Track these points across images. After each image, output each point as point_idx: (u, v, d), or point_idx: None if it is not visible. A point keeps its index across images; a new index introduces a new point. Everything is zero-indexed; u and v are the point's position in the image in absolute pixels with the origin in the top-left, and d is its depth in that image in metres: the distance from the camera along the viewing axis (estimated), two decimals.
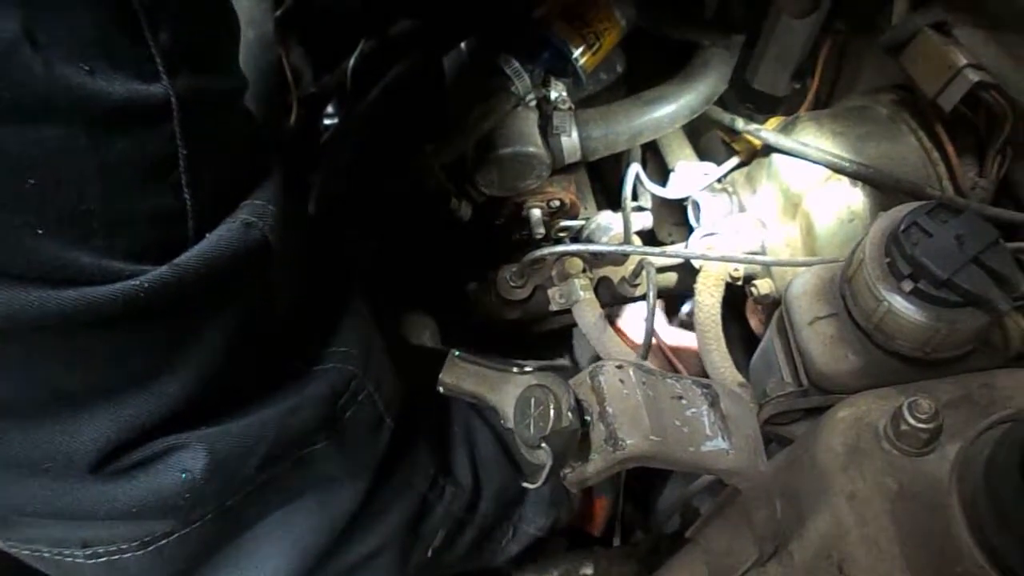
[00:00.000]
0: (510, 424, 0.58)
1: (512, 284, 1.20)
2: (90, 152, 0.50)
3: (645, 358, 1.10)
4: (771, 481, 0.70)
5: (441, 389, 0.59)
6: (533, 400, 0.56)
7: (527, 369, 0.59)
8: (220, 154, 0.60)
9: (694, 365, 1.33)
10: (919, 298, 0.69)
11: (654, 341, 1.33)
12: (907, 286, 0.69)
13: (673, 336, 1.38)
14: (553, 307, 1.17)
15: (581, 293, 1.14)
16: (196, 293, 0.57)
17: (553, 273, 1.18)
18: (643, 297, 1.23)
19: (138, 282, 0.53)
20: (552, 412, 0.55)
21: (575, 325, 1.24)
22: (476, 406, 1.00)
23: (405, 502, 0.86)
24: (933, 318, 0.69)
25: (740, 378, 1.12)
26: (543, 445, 0.52)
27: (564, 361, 1.55)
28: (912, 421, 0.65)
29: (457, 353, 0.60)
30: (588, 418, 0.57)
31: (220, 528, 0.72)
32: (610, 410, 0.57)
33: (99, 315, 0.52)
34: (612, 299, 1.24)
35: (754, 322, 1.30)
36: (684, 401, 0.59)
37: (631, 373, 0.59)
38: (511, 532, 1.01)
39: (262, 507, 0.74)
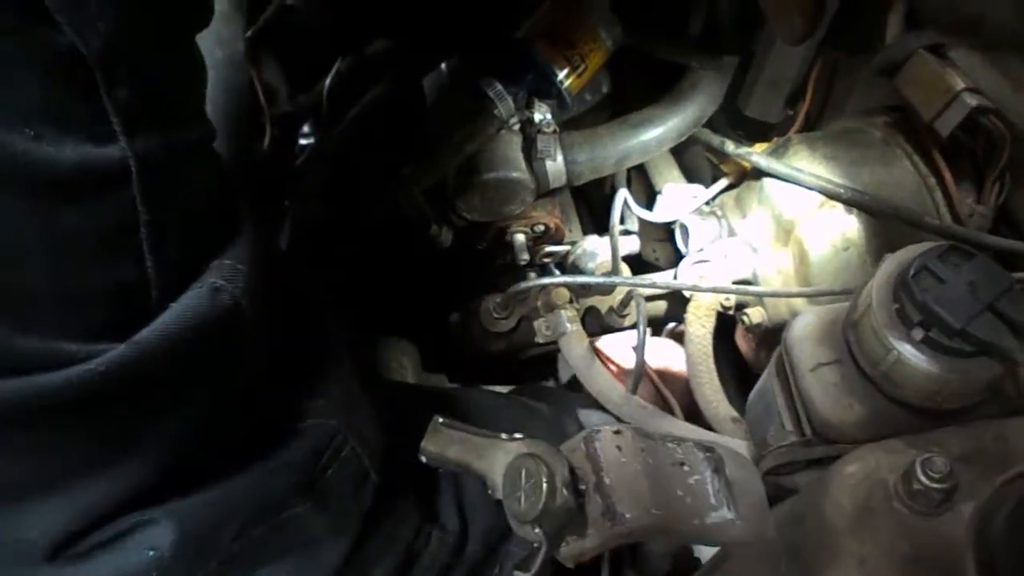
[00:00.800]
0: (499, 495, 0.54)
1: (496, 316, 1.16)
2: (34, 225, 0.45)
3: (634, 392, 1.06)
4: (774, 538, 0.66)
5: (424, 458, 0.55)
6: (524, 471, 0.52)
7: (517, 436, 0.54)
8: (186, 213, 0.55)
9: (682, 388, 1.29)
10: (930, 347, 0.65)
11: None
12: (918, 335, 0.65)
13: (659, 354, 1.34)
14: (539, 339, 1.12)
15: (568, 325, 1.10)
16: (159, 370, 0.52)
17: (539, 303, 1.14)
18: (632, 327, 1.19)
19: (93, 365, 0.48)
20: (545, 486, 0.50)
21: (557, 349, 1.20)
22: None
23: (391, 554, 0.81)
24: (945, 368, 0.65)
25: (733, 412, 1.08)
26: (536, 530, 0.48)
27: (549, 384, 1.51)
28: (925, 480, 0.61)
29: (441, 420, 0.56)
30: (584, 487, 0.52)
31: None
32: (607, 480, 0.53)
33: (48, 404, 0.47)
34: (600, 329, 1.20)
35: (744, 347, 1.27)
36: (686, 468, 0.55)
37: (629, 438, 0.55)
38: (498, 569, 0.96)
39: (239, 574, 0.69)
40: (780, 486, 0.76)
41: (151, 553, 0.58)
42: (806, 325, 0.75)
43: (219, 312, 0.55)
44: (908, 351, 0.66)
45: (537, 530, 0.47)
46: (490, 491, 0.55)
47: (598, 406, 1.13)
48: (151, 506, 0.58)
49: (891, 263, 0.68)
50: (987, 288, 0.64)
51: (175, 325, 0.52)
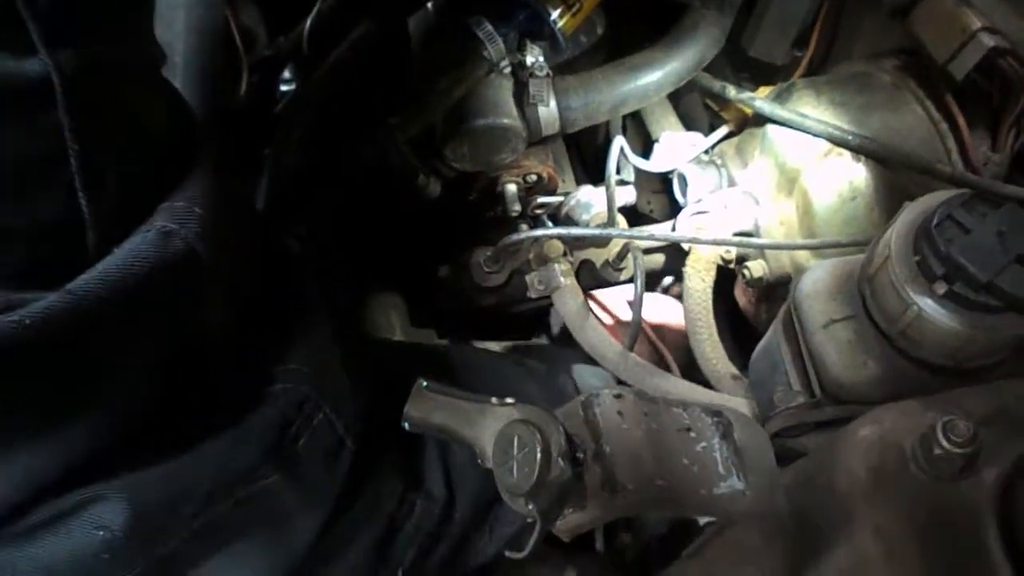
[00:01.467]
0: (489, 464, 0.49)
1: (487, 270, 1.11)
2: None
3: (631, 349, 1.01)
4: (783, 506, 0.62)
5: (407, 425, 0.50)
6: (516, 439, 0.47)
7: (508, 401, 0.49)
8: (128, 145, 0.49)
9: (679, 343, 1.25)
10: (954, 302, 0.60)
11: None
12: (940, 288, 0.60)
13: (656, 309, 1.29)
14: (532, 294, 1.08)
15: (562, 279, 1.05)
16: (100, 323, 0.46)
17: (531, 256, 1.09)
18: (628, 281, 1.14)
19: (17, 317, 0.42)
20: (539, 456, 0.46)
21: (551, 304, 1.15)
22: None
23: (370, 526, 0.77)
24: (969, 324, 0.60)
25: (733, 369, 1.04)
26: (530, 505, 0.43)
27: (541, 340, 1.47)
28: (947, 445, 0.57)
29: (425, 383, 0.51)
30: (582, 456, 0.48)
31: None
32: (607, 449, 0.48)
33: None
34: (594, 283, 1.15)
35: (743, 300, 1.22)
36: (692, 434, 0.51)
37: (631, 403, 0.50)
38: (488, 534, 0.92)
39: (203, 551, 0.64)
40: (787, 448, 0.72)
41: (100, 533, 0.53)
42: (817, 279, 0.71)
43: (171, 258, 0.50)
44: (929, 306, 0.61)
45: (531, 506, 0.43)
46: (479, 460, 0.50)
47: (593, 362, 1.09)
48: (99, 480, 0.53)
49: (911, 211, 0.63)
50: (1017, 238, 0.59)
51: (116, 272, 0.47)
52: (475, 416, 0.50)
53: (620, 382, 1.04)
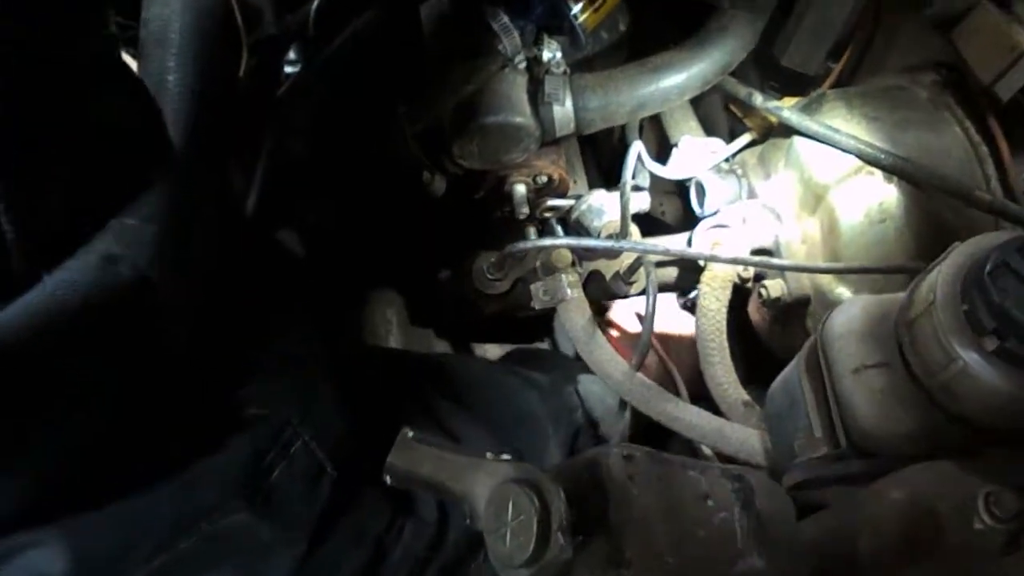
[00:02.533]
0: (479, 526, 0.44)
1: (490, 277, 1.05)
2: None
3: (639, 369, 0.96)
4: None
5: (388, 478, 0.44)
6: (512, 505, 0.42)
7: (504, 457, 0.44)
8: (66, 154, 0.43)
9: (687, 357, 1.19)
10: (1004, 360, 0.54)
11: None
12: (990, 344, 0.54)
13: (667, 318, 1.24)
14: (536, 305, 1.02)
15: (568, 291, 0.99)
16: (25, 363, 0.40)
17: (537, 265, 1.03)
18: (639, 294, 1.09)
19: None
20: (535, 528, 0.40)
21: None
22: (442, 423, 0.86)
23: (356, 552, 0.71)
24: (1019, 385, 0.54)
25: (745, 396, 0.98)
26: None
27: (544, 345, 1.41)
28: (988, 520, 0.52)
29: (411, 433, 0.45)
30: (583, 528, 0.42)
31: None
32: (614, 518, 0.43)
33: None
34: (603, 296, 1.09)
35: (756, 318, 1.17)
36: (711, 503, 0.45)
37: (644, 465, 0.44)
38: (482, 557, 0.87)
39: None
40: (804, 501, 0.67)
41: None
42: (851, 318, 0.65)
43: (111, 289, 0.44)
44: (976, 362, 0.55)
45: None
46: (467, 520, 0.44)
47: None
48: (35, 525, 0.47)
49: (961, 254, 0.57)
50: None
51: (45, 305, 0.41)
52: (466, 471, 0.44)
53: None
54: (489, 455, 0.44)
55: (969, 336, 0.55)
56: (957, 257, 0.58)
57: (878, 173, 0.96)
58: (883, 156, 0.94)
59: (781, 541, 0.47)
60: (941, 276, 0.57)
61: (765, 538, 0.46)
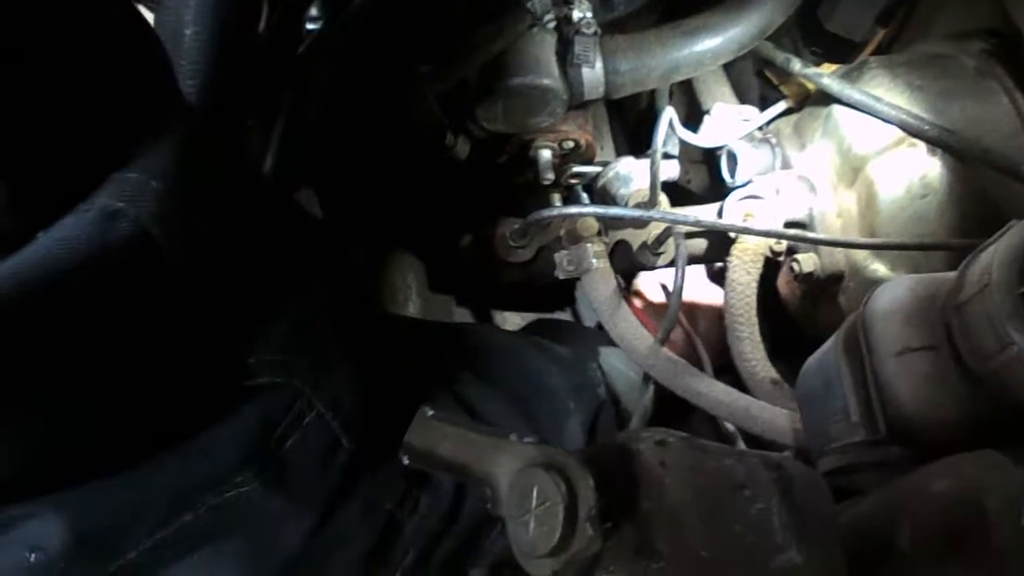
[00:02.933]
0: (501, 511, 0.41)
1: (513, 244, 1.01)
2: None
3: (663, 343, 0.93)
4: None
5: (406, 459, 0.42)
6: (537, 490, 0.39)
7: (529, 440, 0.41)
8: (65, 103, 0.40)
9: (714, 331, 1.16)
10: None
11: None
12: None
13: (694, 288, 1.21)
14: (560, 274, 0.98)
15: (594, 261, 0.96)
16: (19, 321, 0.38)
17: (562, 233, 1.00)
18: (667, 266, 1.05)
19: None
20: (562, 515, 0.37)
21: None
22: (460, 395, 0.83)
23: (367, 526, 0.69)
24: None
25: (774, 374, 0.95)
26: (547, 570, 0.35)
27: (565, 316, 1.39)
28: None
29: (430, 411, 0.42)
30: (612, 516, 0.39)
31: None
32: (645, 507, 0.40)
33: None
34: (629, 267, 1.06)
35: (786, 292, 1.13)
36: (747, 493, 0.42)
37: (677, 452, 0.42)
38: (498, 526, 0.84)
39: (169, 561, 0.57)
40: (837, 486, 0.64)
41: (32, 556, 0.46)
42: (895, 298, 0.61)
43: (114, 245, 0.41)
44: None
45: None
46: (488, 505, 0.42)
47: None
48: (33, 496, 0.45)
49: (1019, 233, 0.54)
50: None
51: (41, 264, 0.38)
52: (489, 452, 0.42)
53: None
54: (513, 437, 0.41)
55: None
56: (1015, 236, 0.54)
57: (921, 145, 0.92)
58: (927, 127, 0.90)
59: (820, 535, 0.44)
60: (997, 256, 0.54)
61: (804, 532, 0.43)
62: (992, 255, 0.54)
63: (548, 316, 1.35)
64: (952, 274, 0.60)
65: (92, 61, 0.43)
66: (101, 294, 0.42)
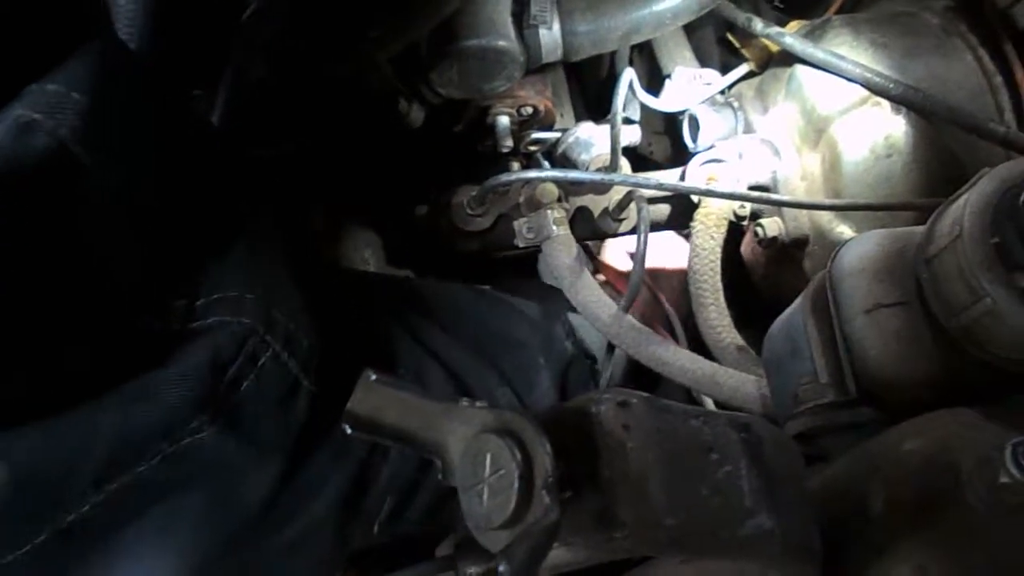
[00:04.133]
0: (452, 482, 0.38)
1: (471, 212, 0.98)
2: None
3: (627, 311, 0.90)
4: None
5: (348, 428, 0.39)
6: (490, 456, 0.36)
7: (480, 404, 0.38)
8: None
9: (676, 288, 1.14)
10: None
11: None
12: (1022, 280, 0.49)
13: (660, 251, 1.19)
14: (520, 242, 0.96)
15: (554, 228, 0.93)
16: None
17: (521, 200, 0.97)
18: (628, 232, 1.03)
19: None
20: (517, 486, 0.35)
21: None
22: (425, 345, 0.80)
23: (338, 474, 0.67)
24: None
25: (739, 340, 0.93)
26: (502, 567, 0.32)
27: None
28: (1017, 473, 0.46)
29: (373, 376, 0.39)
30: (569, 485, 0.37)
31: (64, 551, 0.53)
32: (607, 473, 0.37)
33: None
34: (591, 234, 1.03)
35: (750, 258, 1.12)
36: (715, 455, 0.40)
37: (641, 414, 0.39)
38: None
39: (128, 515, 0.54)
40: (805, 452, 0.62)
41: None
42: (864, 254, 0.59)
43: (27, 157, 0.38)
44: (1005, 300, 0.50)
45: (502, 567, 0.32)
46: (439, 475, 0.39)
47: None
48: None
49: (991, 181, 0.52)
50: None
51: None
52: (438, 418, 0.39)
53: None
54: (464, 402, 0.38)
55: (998, 271, 0.50)
56: (986, 185, 0.52)
57: (885, 104, 0.90)
58: (891, 85, 0.88)
59: (792, 498, 0.42)
60: (968, 206, 0.52)
61: (775, 495, 0.41)
62: (963, 206, 0.52)
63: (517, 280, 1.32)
64: (921, 228, 0.58)
65: None
66: (14, 209, 0.38)
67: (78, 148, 0.40)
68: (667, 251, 1.20)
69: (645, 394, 0.40)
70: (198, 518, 0.59)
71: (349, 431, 0.39)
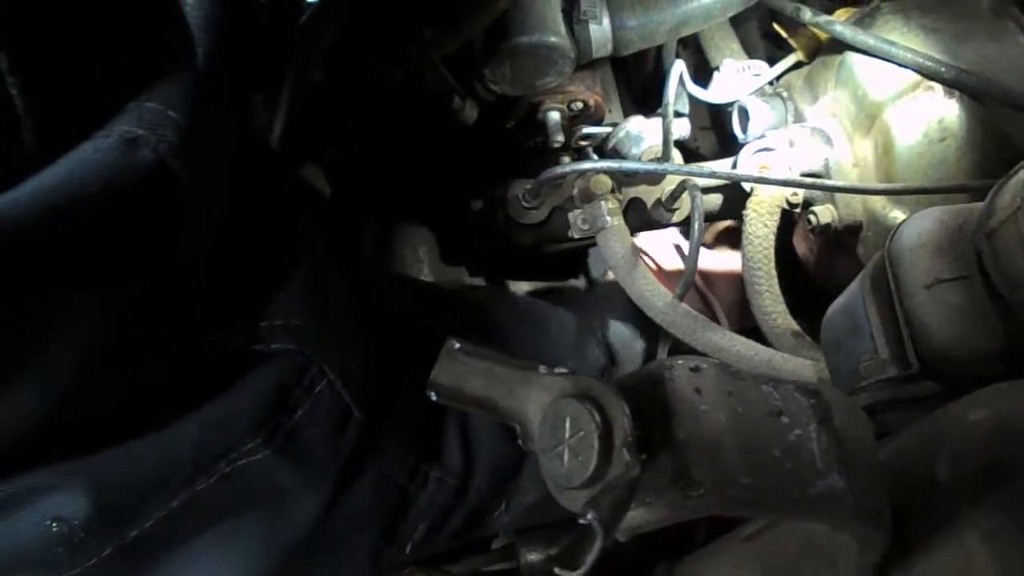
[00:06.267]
0: (532, 446, 0.40)
1: (526, 205, 1.00)
2: None
3: (682, 299, 0.91)
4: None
5: (433, 395, 0.41)
6: (569, 420, 0.38)
7: (560, 370, 0.40)
8: (78, 15, 0.39)
9: (729, 292, 1.15)
10: None
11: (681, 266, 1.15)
12: None
13: (708, 255, 1.19)
14: (574, 234, 0.97)
15: (609, 219, 0.94)
16: (37, 258, 0.37)
17: (575, 192, 0.98)
18: (680, 224, 1.04)
19: None
20: (597, 444, 0.36)
21: (594, 244, 1.05)
22: None
23: (380, 501, 0.69)
24: None
25: (795, 326, 0.94)
26: (589, 515, 0.34)
27: (578, 283, 1.37)
28: None
29: (457, 345, 0.41)
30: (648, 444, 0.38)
31: (125, 565, 0.55)
32: (681, 435, 0.39)
33: None
34: (644, 224, 1.04)
35: (803, 249, 1.12)
36: (785, 419, 0.41)
37: (712, 378, 0.40)
38: (504, 505, 0.83)
39: (186, 531, 0.56)
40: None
41: (55, 527, 0.45)
42: (923, 231, 0.60)
43: (135, 173, 0.40)
44: None
45: (591, 515, 0.34)
46: (519, 440, 0.41)
47: (632, 317, 1.00)
48: (52, 462, 0.44)
49: None
50: None
51: (58, 188, 0.36)
52: (518, 386, 0.40)
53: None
54: (543, 369, 0.40)
55: None
56: None
57: (938, 88, 0.90)
58: (943, 69, 0.88)
59: (861, 459, 0.43)
60: None
61: (844, 456, 0.42)
62: (1023, 179, 0.53)
63: (559, 284, 1.34)
64: (980, 204, 0.58)
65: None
66: (120, 222, 0.41)
67: (174, 162, 0.42)
68: (712, 252, 1.21)
69: (716, 360, 0.41)
70: (251, 538, 0.61)
71: (434, 398, 0.41)
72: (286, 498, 0.60)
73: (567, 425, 0.38)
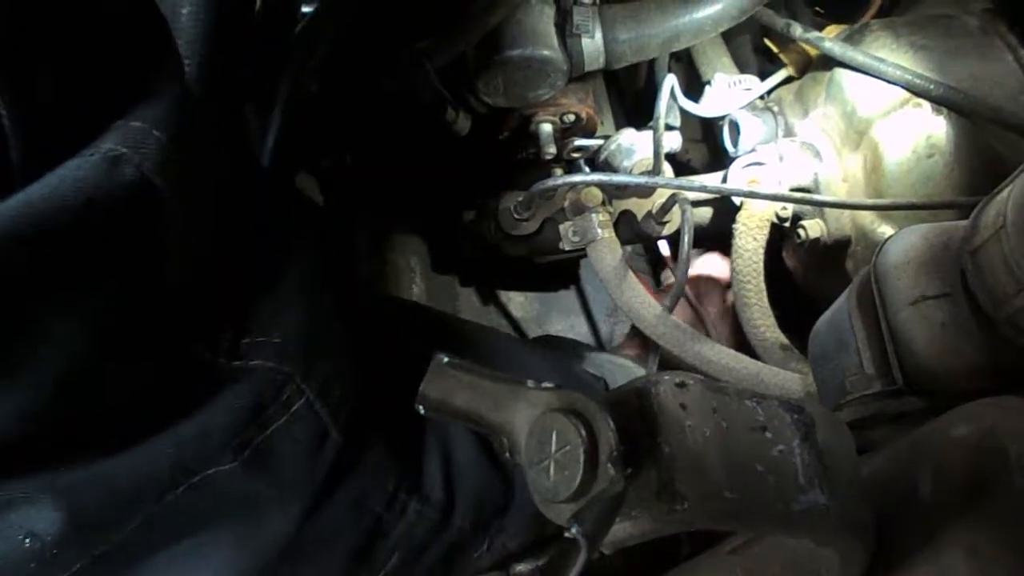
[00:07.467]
0: (519, 459, 0.40)
1: (517, 216, 1.01)
2: None
3: (671, 311, 0.92)
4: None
5: (422, 408, 0.41)
6: (555, 434, 0.38)
7: (546, 385, 0.40)
8: (65, 36, 0.40)
9: (718, 299, 1.16)
10: None
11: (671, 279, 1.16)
12: None
13: (699, 265, 1.20)
14: (565, 245, 0.98)
15: (599, 231, 0.95)
16: (20, 272, 0.37)
17: (566, 204, 0.99)
18: (669, 237, 1.04)
19: None
20: (583, 457, 0.37)
21: (585, 255, 1.06)
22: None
23: (354, 526, 0.68)
24: None
25: (783, 339, 0.95)
26: (573, 528, 0.34)
27: (569, 293, 1.38)
28: None
29: (445, 359, 0.42)
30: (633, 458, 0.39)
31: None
32: (666, 449, 0.39)
33: None
34: (634, 237, 1.05)
35: (792, 263, 1.13)
36: (769, 435, 0.42)
37: (697, 393, 0.41)
38: (486, 545, 0.82)
39: (157, 542, 0.56)
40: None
41: (27, 542, 0.45)
42: (909, 247, 0.60)
43: (117, 190, 0.40)
44: None
45: (575, 528, 0.34)
46: (507, 454, 0.41)
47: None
48: (26, 474, 0.44)
49: None
50: None
51: (43, 203, 0.37)
52: (506, 400, 0.41)
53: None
54: (530, 383, 0.40)
55: None
56: None
57: (926, 105, 0.91)
58: (932, 87, 0.89)
59: (843, 475, 0.44)
60: (1012, 197, 0.53)
61: (826, 474, 0.42)
62: (1007, 197, 0.54)
63: (550, 336, 1.32)
64: (965, 222, 0.59)
65: (98, 15, 0.42)
66: (103, 237, 0.41)
67: (159, 180, 0.42)
68: (702, 265, 1.21)
69: (701, 376, 0.42)
70: (223, 552, 0.61)
71: (422, 412, 0.41)
72: (259, 512, 0.60)
73: (553, 439, 0.39)
